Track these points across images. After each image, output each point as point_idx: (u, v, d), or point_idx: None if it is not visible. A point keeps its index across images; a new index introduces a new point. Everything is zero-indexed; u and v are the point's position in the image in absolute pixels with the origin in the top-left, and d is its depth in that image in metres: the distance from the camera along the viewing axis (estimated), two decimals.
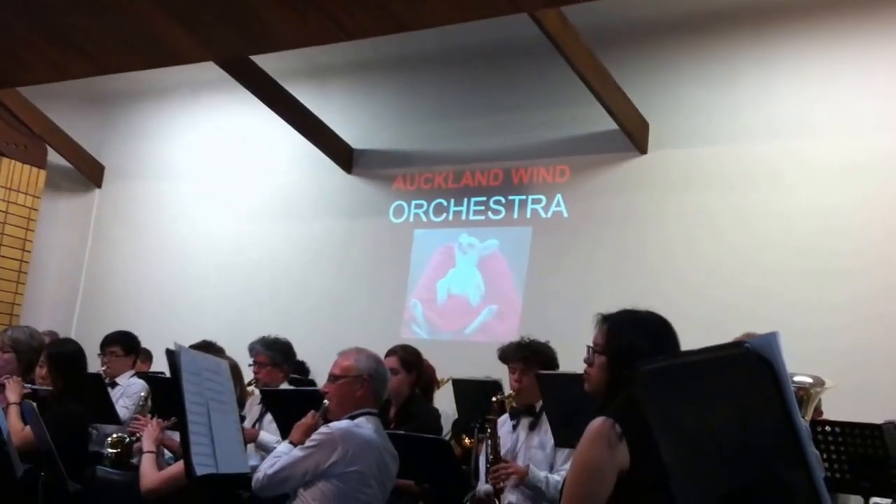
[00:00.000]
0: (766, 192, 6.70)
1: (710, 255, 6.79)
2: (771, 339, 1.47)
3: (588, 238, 7.36)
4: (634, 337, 2.67)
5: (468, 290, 7.96)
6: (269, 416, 5.25)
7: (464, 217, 8.04)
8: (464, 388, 5.88)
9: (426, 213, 8.23)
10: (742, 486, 1.58)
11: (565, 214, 7.55)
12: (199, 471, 3.09)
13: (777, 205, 6.64)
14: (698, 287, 6.67)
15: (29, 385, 4.69)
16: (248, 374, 5.53)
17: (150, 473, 4.10)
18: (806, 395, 4.72)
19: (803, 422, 4.59)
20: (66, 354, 4.81)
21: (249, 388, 5.57)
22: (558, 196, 7.59)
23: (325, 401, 4.02)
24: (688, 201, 6.99)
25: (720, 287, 6.61)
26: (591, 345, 2.77)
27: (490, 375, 5.60)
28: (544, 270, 7.48)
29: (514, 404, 4.68)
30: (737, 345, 1.49)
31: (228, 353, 5.16)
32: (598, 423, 2.50)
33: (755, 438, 1.54)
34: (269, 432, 5.18)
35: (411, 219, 8.29)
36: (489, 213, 7.92)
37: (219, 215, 9.15)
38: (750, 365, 1.46)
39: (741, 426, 1.56)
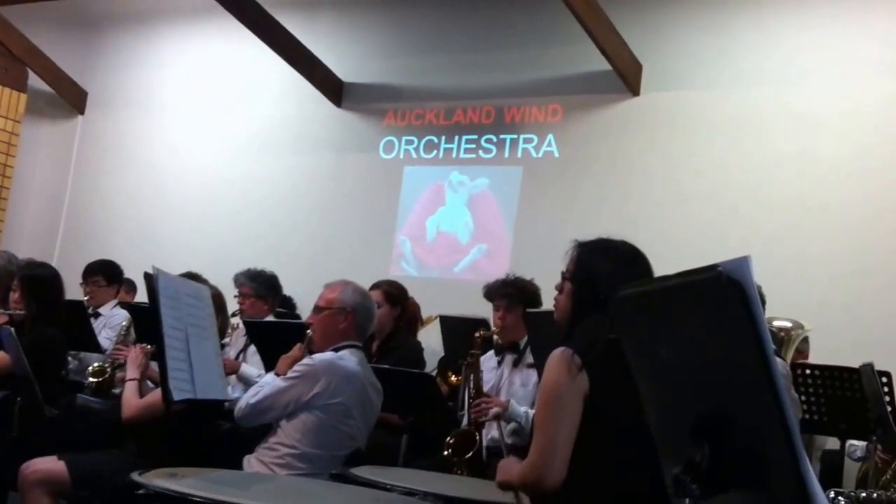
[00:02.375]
0: (753, 139, 6.67)
1: (694, 200, 6.78)
2: (742, 262, 1.45)
3: (578, 179, 7.34)
4: (603, 264, 2.66)
5: (458, 228, 7.95)
6: (252, 349, 5.26)
7: (454, 155, 7.99)
8: (451, 326, 5.91)
9: (416, 149, 8.18)
10: (714, 415, 1.57)
11: (556, 154, 7.51)
12: (177, 395, 3.11)
13: (764, 153, 6.62)
14: (682, 232, 6.65)
15: (5, 311, 4.63)
16: (232, 306, 5.52)
17: (131, 400, 4.08)
18: (787, 336, 4.77)
19: (782, 363, 4.64)
20: (40, 278, 4.74)
21: (234, 320, 5.57)
22: (550, 136, 7.55)
23: (309, 332, 4.03)
24: (680, 145, 6.96)
25: (702, 234, 6.59)
26: (563, 271, 2.77)
27: (478, 314, 5.61)
28: (534, 210, 7.47)
29: (499, 341, 4.71)
30: (709, 268, 1.47)
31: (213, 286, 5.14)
32: (558, 352, 2.53)
33: (727, 365, 1.53)
34: (252, 365, 5.19)
35: (401, 155, 8.23)
36: (480, 152, 7.88)
37: (205, 147, 9.07)
38: (721, 288, 1.45)
39: (714, 353, 1.56)
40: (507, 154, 7.78)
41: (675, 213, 6.82)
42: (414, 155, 8.18)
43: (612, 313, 1.93)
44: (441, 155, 8.06)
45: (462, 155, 7.97)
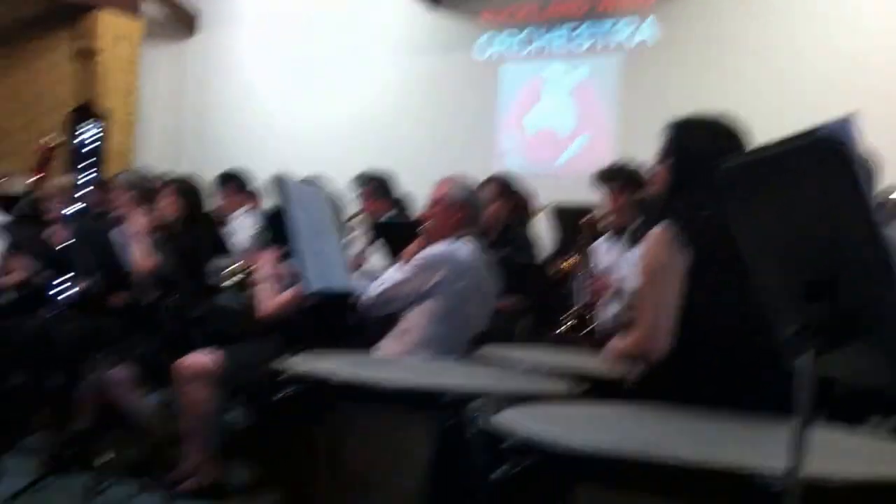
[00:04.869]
0: (853, 7, 6.48)
1: (797, 80, 6.66)
2: (843, 123, 1.47)
3: (677, 62, 7.27)
4: (700, 138, 2.66)
5: (558, 122, 7.99)
6: (374, 246, 5.51)
7: (551, 48, 7.98)
8: (561, 214, 6.01)
9: (512, 46, 8.19)
10: (826, 277, 1.60)
11: (654, 39, 7.45)
12: (310, 287, 3.32)
13: (868, 21, 6.45)
14: (791, 115, 6.55)
15: (152, 219, 4.93)
16: (352, 209, 5.76)
17: (267, 300, 4.34)
18: None
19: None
20: (188, 187, 5.02)
21: (355, 220, 5.81)
22: (648, 20, 7.48)
23: (425, 226, 4.23)
24: (779, 21, 6.83)
25: (805, 110, 6.45)
26: (660, 149, 2.78)
27: (587, 202, 5.70)
28: (634, 97, 7.46)
29: (610, 225, 4.81)
30: (811, 132, 1.50)
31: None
32: (658, 229, 2.56)
33: (834, 225, 1.56)
34: (374, 261, 5.45)
35: (498, 53, 8.27)
36: (576, 43, 7.85)
37: (311, 59, 9.25)
38: (822, 150, 1.48)
39: (821, 216, 1.58)
40: (604, 43, 7.74)
41: (778, 94, 6.73)
42: (510, 52, 8.20)
43: (717, 185, 1.96)
44: (537, 50, 8.06)
45: (559, 48, 7.96)
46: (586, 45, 7.80)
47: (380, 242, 5.39)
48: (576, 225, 4.92)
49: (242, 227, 6.19)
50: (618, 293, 4.40)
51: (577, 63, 7.88)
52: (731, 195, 1.83)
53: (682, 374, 2.50)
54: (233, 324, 4.90)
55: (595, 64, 7.78)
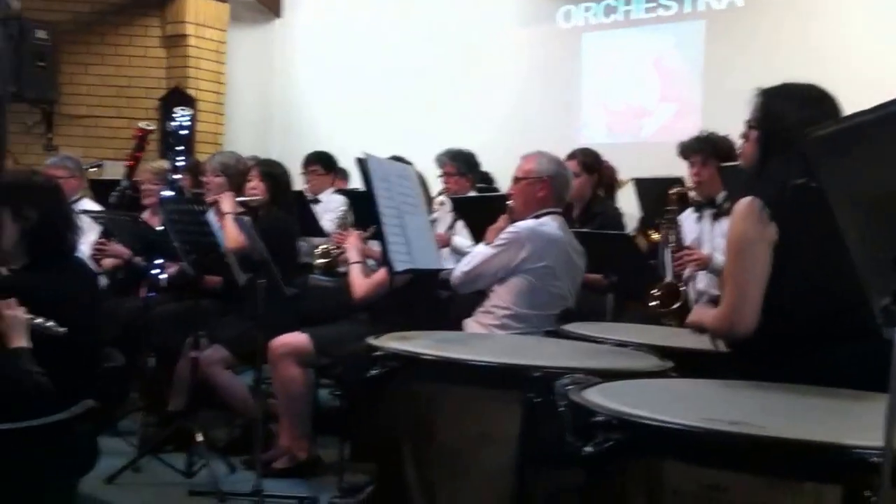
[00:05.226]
0: None
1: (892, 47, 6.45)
2: None
3: (766, 28, 7.11)
4: (788, 107, 2.60)
5: (642, 91, 7.89)
6: (459, 223, 5.54)
7: (634, 16, 7.88)
8: (646, 186, 5.94)
9: (595, 15, 8.12)
10: None
11: (741, 3, 7.29)
12: (398, 266, 3.33)
13: None
14: (882, 82, 6.36)
15: (241, 199, 4.98)
16: (435, 186, 5.79)
17: (358, 282, 4.38)
18: None
19: None
20: (275, 169, 5.09)
21: (439, 198, 5.85)
22: None
23: (510, 202, 4.24)
24: None
25: None
26: (747, 120, 2.74)
27: (672, 174, 5.64)
28: (721, 64, 7.31)
29: (696, 197, 4.76)
30: None
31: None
32: (745, 202, 2.51)
33: None
34: (460, 238, 5.48)
35: (580, 22, 8.20)
36: (660, 10, 7.73)
37: (394, 35, 9.28)
38: None
39: None
40: (688, 8, 7.61)
41: (876, 57, 6.52)
42: (593, 21, 8.13)
43: (807, 155, 1.92)
44: (620, 17, 7.97)
45: (642, 15, 7.85)
46: (670, 11, 7.68)
47: (464, 220, 5.42)
48: (661, 198, 4.87)
49: (330, 208, 6.28)
50: (705, 266, 4.36)
51: (660, 30, 7.76)
52: (821, 164, 1.80)
53: (771, 350, 2.47)
54: (325, 303, 4.99)
55: (679, 31, 7.65)
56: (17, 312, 2.86)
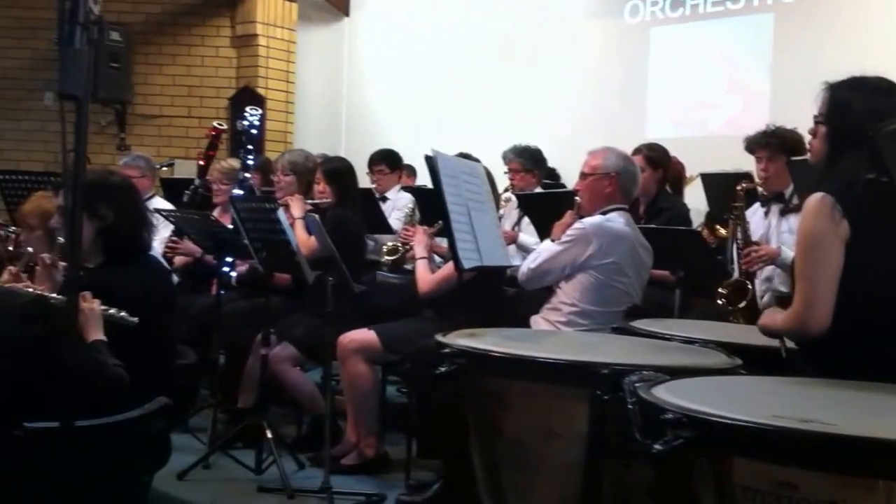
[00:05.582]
0: None
1: None
2: None
3: (836, 20, 6.98)
4: (857, 101, 2.55)
5: (710, 84, 7.82)
6: (526, 220, 5.55)
7: (701, 10, 7.81)
8: (713, 181, 5.88)
9: (662, 9, 8.06)
10: None
11: None
12: (466, 264, 3.36)
13: None
14: None
15: (309, 201, 5.07)
16: (502, 183, 5.80)
17: (424, 277, 4.42)
18: None
19: None
20: (338, 169, 5.15)
21: (506, 195, 5.87)
22: None
23: (577, 198, 4.23)
24: None
25: None
26: (815, 115, 2.69)
27: (739, 168, 5.59)
28: (790, 57, 7.20)
29: (764, 192, 4.71)
30: None
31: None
32: (815, 198, 2.47)
33: None
34: (527, 234, 5.49)
35: (647, 17, 8.15)
36: (728, 3, 7.65)
37: (461, 29, 9.30)
38: None
39: None
40: (756, 1, 7.52)
41: None
42: (660, 15, 8.07)
43: (878, 148, 1.88)
44: (688, 11, 7.90)
45: (709, 8, 7.78)
46: (738, 3, 7.59)
47: (529, 216, 5.42)
48: (728, 193, 4.82)
49: (398, 204, 6.34)
50: (774, 262, 4.31)
51: (728, 23, 7.67)
52: (893, 159, 1.78)
53: (843, 347, 2.43)
54: (392, 300, 5.03)
55: (747, 24, 7.56)
56: (94, 305, 2.94)
